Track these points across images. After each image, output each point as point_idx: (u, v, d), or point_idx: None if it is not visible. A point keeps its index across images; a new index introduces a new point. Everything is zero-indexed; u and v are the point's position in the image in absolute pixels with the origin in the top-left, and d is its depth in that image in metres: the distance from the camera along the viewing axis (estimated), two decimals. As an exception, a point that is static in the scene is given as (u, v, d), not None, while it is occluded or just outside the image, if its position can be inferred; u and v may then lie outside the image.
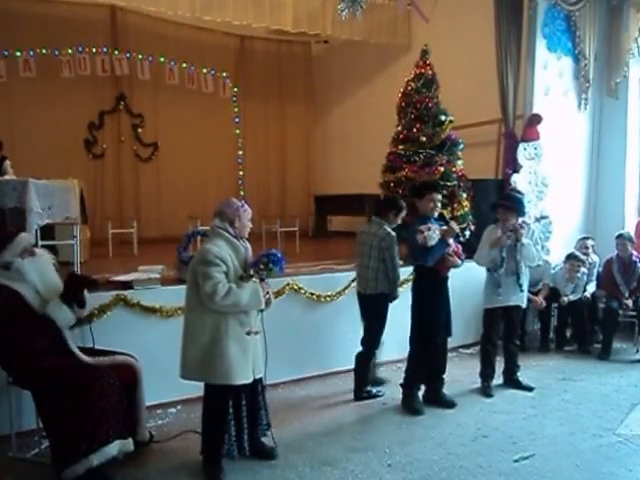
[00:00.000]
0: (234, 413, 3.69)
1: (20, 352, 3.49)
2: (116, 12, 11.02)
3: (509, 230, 5.07)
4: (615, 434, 4.32)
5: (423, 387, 4.95)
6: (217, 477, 3.64)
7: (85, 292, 3.89)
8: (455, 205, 6.64)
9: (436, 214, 4.73)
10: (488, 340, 5.33)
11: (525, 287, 5.31)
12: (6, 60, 10.01)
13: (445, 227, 4.62)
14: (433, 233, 4.48)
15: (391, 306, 5.03)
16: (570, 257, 6.73)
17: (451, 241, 4.65)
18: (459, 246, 4.81)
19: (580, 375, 5.78)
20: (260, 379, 3.84)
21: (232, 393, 3.66)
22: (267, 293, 3.70)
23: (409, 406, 4.76)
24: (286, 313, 5.19)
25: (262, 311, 3.75)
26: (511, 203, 5.26)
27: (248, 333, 3.64)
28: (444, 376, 4.98)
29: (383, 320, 5.03)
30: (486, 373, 5.32)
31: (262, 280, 3.63)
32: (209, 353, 3.56)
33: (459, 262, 4.74)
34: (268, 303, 3.72)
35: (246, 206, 3.78)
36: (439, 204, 4.74)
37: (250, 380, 3.67)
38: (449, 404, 4.87)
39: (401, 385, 4.91)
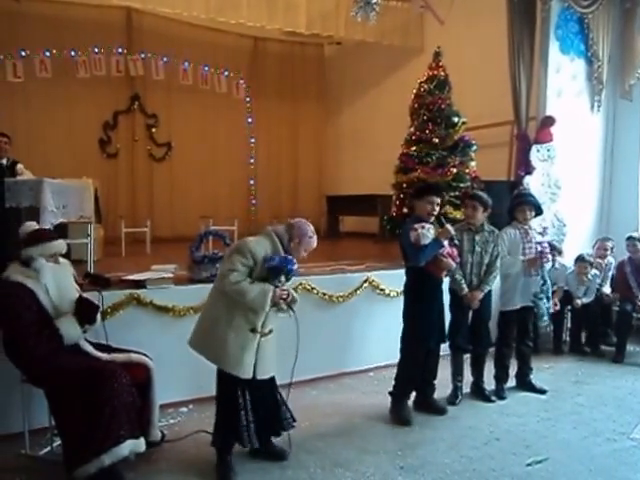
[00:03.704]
0: (242, 409, 3.69)
1: (33, 351, 3.49)
2: (131, 14, 11.08)
3: (535, 262, 5.08)
4: (629, 438, 4.29)
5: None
6: (228, 477, 3.65)
7: (98, 315, 3.91)
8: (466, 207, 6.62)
9: (432, 217, 4.59)
10: (505, 343, 5.29)
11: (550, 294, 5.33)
12: (23, 61, 10.07)
13: (440, 229, 4.51)
14: (427, 232, 4.37)
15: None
16: (578, 259, 6.69)
17: (446, 243, 4.51)
18: (454, 249, 4.63)
19: (594, 378, 5.75)
20: (272, 379, 3.88)
21: (239, 385, 3.67)
22: (287, 297, 3.70)
23: (397, 416, 4.64)
24: (298, 313, 5.16)
25: (292, 310, 3.77)
26: (533, 199, 5.35)
27: (252, 330, 3.65)
28: (434, 382, 4.89)
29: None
30: (500, 375, 5.29)
31: (276, 287, 3.62)
32: (210, 329, 3.68)
33: (453, 265, 4.59)
34: (293, 302, 3.76)
35: (314, 237, 3.82)
36: (437, 207, 4.58)
37: (248, 377, 3.64)
38: (440, 411, 4.78)
39: (390, 394, 4.80)
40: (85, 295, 3.90)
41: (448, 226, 4.50)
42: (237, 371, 3.62)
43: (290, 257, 3.67)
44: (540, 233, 5.38)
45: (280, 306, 3.69)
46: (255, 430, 3.71)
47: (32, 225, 3.85)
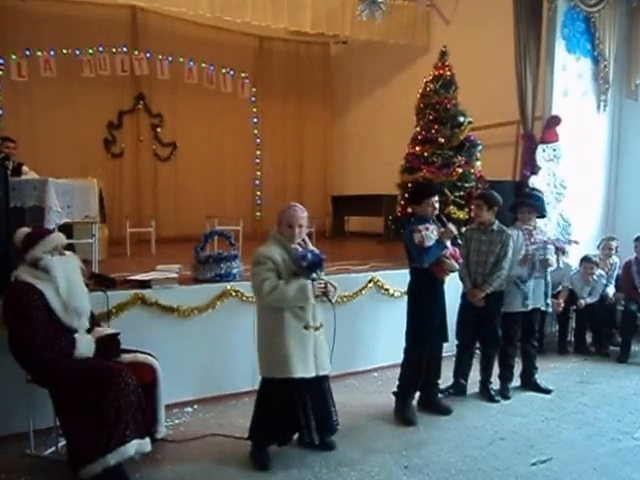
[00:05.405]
0: (301, 410, 3.78)
1: (39, 351, 3.49)
2: (137, 13, 11.09)
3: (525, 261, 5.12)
4: (634, 438, 4.28)
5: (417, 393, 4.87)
6: (264, 464, 3.75)
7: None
8: (472, 206, 6.62)
9: (434, 217, 4.59)
10: (509, 342, 5.26)
11: (549, 291, 5.35)
12: (27, 60, 10.09)
13: (443, 229, 4.49)
14: (431, 233, 4.38)
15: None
16: (584, 260, 6.66)
17: (448, 243, 4.48)
18: (457, 249, 4.62)
19: (598, 378, 5.74)
20: (326, 376, 3.94)
21: (292, 387, 3.73)
22: (324, 287, 3.78)
23: (401, 416, 4.63)
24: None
25: (329, 300, 3.85)
26: (534, 201, 5.33)
27: (306, 327, 3.76)
28: (439, 381, 4.88)
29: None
30: (504, 375, 5.28)
31: (313, 280, 3.72)
32: (269, 347, 3.74)
33: (456, 266, 4.57)
34: (327, 295, 3.81)
35: (292, 208, 3.99)
36: (437, 205, 4.57)
37: (311, 375, 3.76)
38: (445, 411, 4.76)
39: (394, 394, 4.79)
40: (107, 330, 3.95)
41: (450, 226, 4.48)
42: (304, 372, 3.71)
43: (317, 251, 3.85)
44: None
45: (321, 298, 3.80)
46: (315, 427, 3.82)
47: (24, 230, 3.84)
